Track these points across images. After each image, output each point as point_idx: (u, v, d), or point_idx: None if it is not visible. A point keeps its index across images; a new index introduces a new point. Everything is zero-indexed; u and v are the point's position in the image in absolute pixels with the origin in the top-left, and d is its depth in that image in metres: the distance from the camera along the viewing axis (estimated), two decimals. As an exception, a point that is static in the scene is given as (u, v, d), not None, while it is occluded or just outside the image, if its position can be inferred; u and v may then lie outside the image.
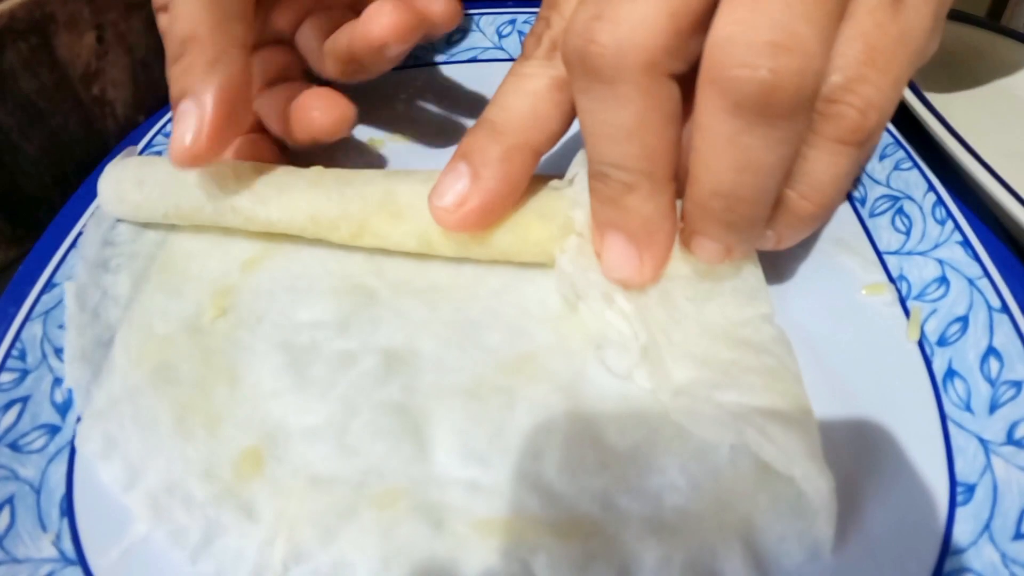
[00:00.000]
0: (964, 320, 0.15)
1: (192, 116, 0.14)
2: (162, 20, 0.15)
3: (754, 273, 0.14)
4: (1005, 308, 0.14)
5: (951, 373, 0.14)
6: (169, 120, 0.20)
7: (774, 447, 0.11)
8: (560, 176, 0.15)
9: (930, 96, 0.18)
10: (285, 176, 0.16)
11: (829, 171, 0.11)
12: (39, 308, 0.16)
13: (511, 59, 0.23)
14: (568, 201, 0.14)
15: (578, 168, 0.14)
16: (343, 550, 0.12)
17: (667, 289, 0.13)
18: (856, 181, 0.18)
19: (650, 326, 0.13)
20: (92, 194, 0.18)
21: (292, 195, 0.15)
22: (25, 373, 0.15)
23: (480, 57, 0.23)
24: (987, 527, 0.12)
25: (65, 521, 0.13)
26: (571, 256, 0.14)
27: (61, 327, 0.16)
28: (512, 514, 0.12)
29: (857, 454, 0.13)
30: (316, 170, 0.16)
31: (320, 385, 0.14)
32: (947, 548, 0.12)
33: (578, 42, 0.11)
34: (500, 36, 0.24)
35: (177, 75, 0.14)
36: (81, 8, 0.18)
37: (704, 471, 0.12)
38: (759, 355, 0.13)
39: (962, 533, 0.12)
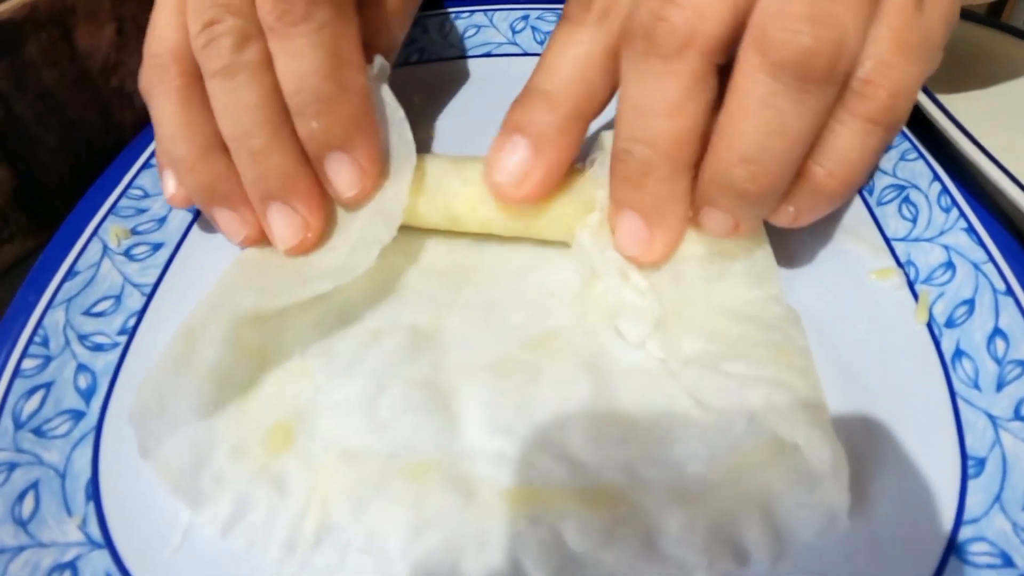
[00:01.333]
0: (970, 303, 0.15)
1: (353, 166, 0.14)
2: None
3: (765, 256, 0.14)
4: (1009, 291, 0.15)
5: (959, 353, 0.14)
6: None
7: (777, 415, 0.12)
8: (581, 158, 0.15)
9: (932, 89, 0.18)
10: None
11: (857, 149, 0.12)
12: (61, 296, 0.16)
13: (525, 54, 0.23)
14: (591, 181, 0.15)
15: (598, 150, 0.15)
16: (375, 520, 0.12)
17: (680, 269, 0.14)
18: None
19: (663, 302, 0.13)
20: (111, 184, 0.18)
21: None
22: (48, 359, 0.15)
23: (494, 52, 0.24)
24: (998, 498, 0.12)
25: (91, 505, 0.13)
26: (591, 232, 0.14)
27: (84, 314, 0.16)
28: (540, 483, 0.12)
29: (871, 431, 0.13)
30: None
31: (349, 362, 0.14)
32: (960, 518, 0.12)
33: (649, 18, 0.12)
34: (514, 31, 0.24)
35: (328, 127, 0.14)
36: (101, 1, 0.18)
37: (723, 442, 0.12)
38: (767, 331, 0.13)
39: (974, 504, 0.12)
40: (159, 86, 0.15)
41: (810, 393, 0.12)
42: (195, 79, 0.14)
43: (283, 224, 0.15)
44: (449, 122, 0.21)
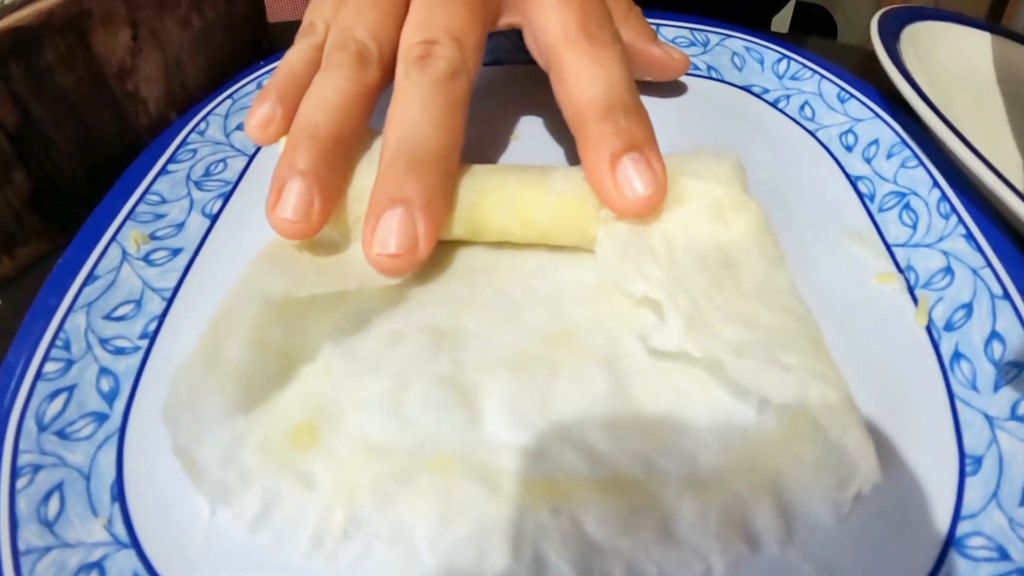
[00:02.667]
0: (969, 307, 0.16)
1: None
2: None
3: (773, 241, 0.15)
4: (1007, 295, 0.15)
5: (958, 355, 0.15)
6: (207, 115, 0.21)
7: (831, 413, 0.12)
8: None
9: (932, 95, 0.19)
10: None
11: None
12: (82, 300, 0.16)
13: (534, 61, 0.24)
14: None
15: None
16: (401, 513, 0.12)
17: (704, 255, 0.14)
18: (866, 179, 0.19)
19: (692, 291, 0.14)
20: (129, 189, 0.18)
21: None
22: (70, 363, 0.15)
23: (504, 59, 0.24)
24: (995, 495, 0.13)
25: (116, 505, 0.13)
26: (611, 230, 0.15)
27: (105, 318, 0.16)
28: (560, 475, 0.12)
29: (873, 429, 0.14)
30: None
31: (371, 362, 0.14)
32: (959, 513, 0.13)
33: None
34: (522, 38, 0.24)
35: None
36: (117, 6, 0.18)
37: (733, 432, 0.13)
38: (799, 321, 0.14)
39: (972, 500, 0.13)
40: (352, 64, 0.16)
41: (848, 391, 0.13)
42: (386, 74, 0.16)
43: (396, 231, 0.14)
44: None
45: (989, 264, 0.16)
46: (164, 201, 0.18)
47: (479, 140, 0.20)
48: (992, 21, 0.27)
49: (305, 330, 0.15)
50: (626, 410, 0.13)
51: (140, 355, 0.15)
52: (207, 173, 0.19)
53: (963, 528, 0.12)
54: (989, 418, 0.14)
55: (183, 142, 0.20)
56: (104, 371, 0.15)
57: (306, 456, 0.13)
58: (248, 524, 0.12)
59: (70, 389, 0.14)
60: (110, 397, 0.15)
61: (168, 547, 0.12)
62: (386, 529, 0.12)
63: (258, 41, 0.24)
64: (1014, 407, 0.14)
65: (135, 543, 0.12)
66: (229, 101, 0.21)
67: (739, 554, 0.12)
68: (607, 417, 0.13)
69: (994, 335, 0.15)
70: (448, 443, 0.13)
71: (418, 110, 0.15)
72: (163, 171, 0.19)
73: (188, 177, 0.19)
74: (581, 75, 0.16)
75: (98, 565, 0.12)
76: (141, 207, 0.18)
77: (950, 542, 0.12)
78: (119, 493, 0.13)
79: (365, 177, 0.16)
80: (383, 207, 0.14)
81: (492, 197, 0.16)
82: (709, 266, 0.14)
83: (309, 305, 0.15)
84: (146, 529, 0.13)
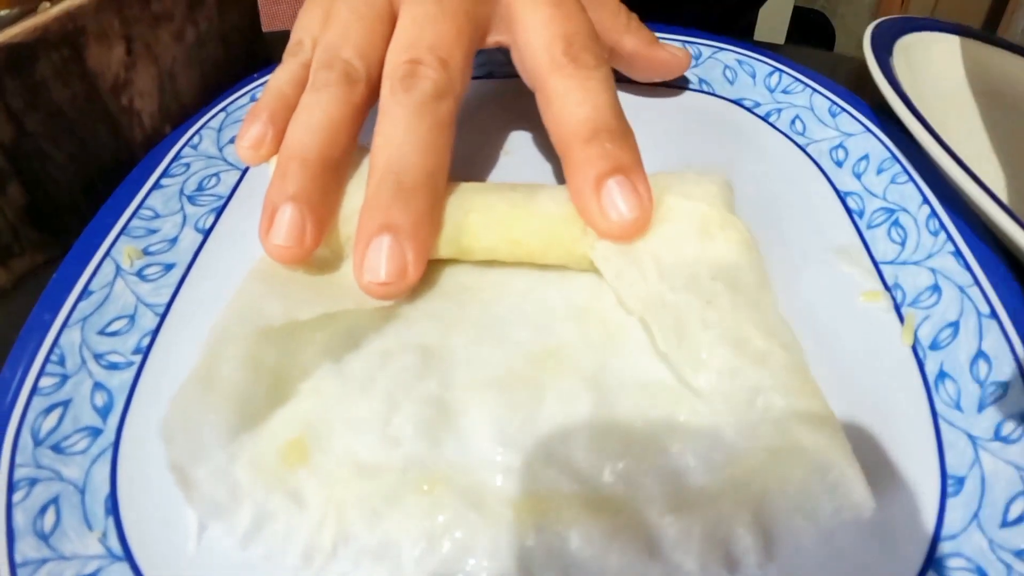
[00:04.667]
0: (955, 326, 0.16)
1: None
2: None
3: (760, 260, 0.15)
4: (994, 314, 0.15)
5: (943, 375, 0.15)
6: (201, 129, 0.21)
7: (823, 455, 0.12)
8: None
9: (925, 108, 0.19)
10: None
11: None
12: (76, 315, 0.16)
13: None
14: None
15: None
16: (388, 532, 0.12)
17: (691, 275, 0.14)
18: (855, 195, 0.19)
19: (679, 312, 0.14)
20: (122, 204, 0.19)
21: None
22: (65, 378, 0.15)
23: (496, 73, 0.24)
24: (976, 516, 0.13)
25: (111, 519, 0.13)
26: (602, 251, 0.15)
27: (100, 333, 0.16)
28: (546, 493, 0.13)
29: (854, 448, 0.14)
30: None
31: (360, 381, 0.14)
32: (939, 535, 0.13)
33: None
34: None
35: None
36: (111, 21, 0.18)
37: (717, 452, 0.13)
38: (786, 350, 0.14)
39: (952, 521, 0.13)
40: (340, 84, 0.16)
41: (837, 426, 0.13)
42: (373, 92, 0.16)
43: (385, 259, 0.14)
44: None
45: (977, 282, 0.16)
46: (157, 216, 0.19)
47: (470, 154, 0.20)
48: (988, 30, 0.27)
49: (296, 349, 0.15)
50: (611, 429, 0.14)
51: (133, 370, 0.16)
52: (200, 188, 0.20)
53: (943, 549, 0.12)
54: (972, 438, 0.14)
55: (176, 156, 0.20)
56: (98, 386, 0.15)
57: (296, 474, 0.13)
58: (239, 539, 0.13)
59: (65, 404, 0.15)
60: (104, 412, 0.15)
61: (161, 561, 0.13)
62: (374, 546, 0.12)
63: (253, 51, 0.24)
64: (998, 427, 0.14)
65: (129, 556, 0.13)
66: (223, 114, 0.22)
67: (719, 573, 0.12)
68: (592, 435, 0.13)
69: (980, 355, 0.15)
70: (435, 463, 0.13)
71: (404, 133, 0.15)
72: (156, 185, 0.19)
73: (181, 192, 0.19)
74: (567, 99, 0.16)
75: (93, 578, 0.12)
76: (135, 222, 0.18)
77: (930, 563, 0.12)
78: (113, 507, 0.13)
79: (356, 197, 0.16)
80: (371, 235, 0.15)
81: (479, 218, 0.16)
82: (696, 286, 0.14)
83: (301, 324, 0.15)
84: (139, 543, 0.13)
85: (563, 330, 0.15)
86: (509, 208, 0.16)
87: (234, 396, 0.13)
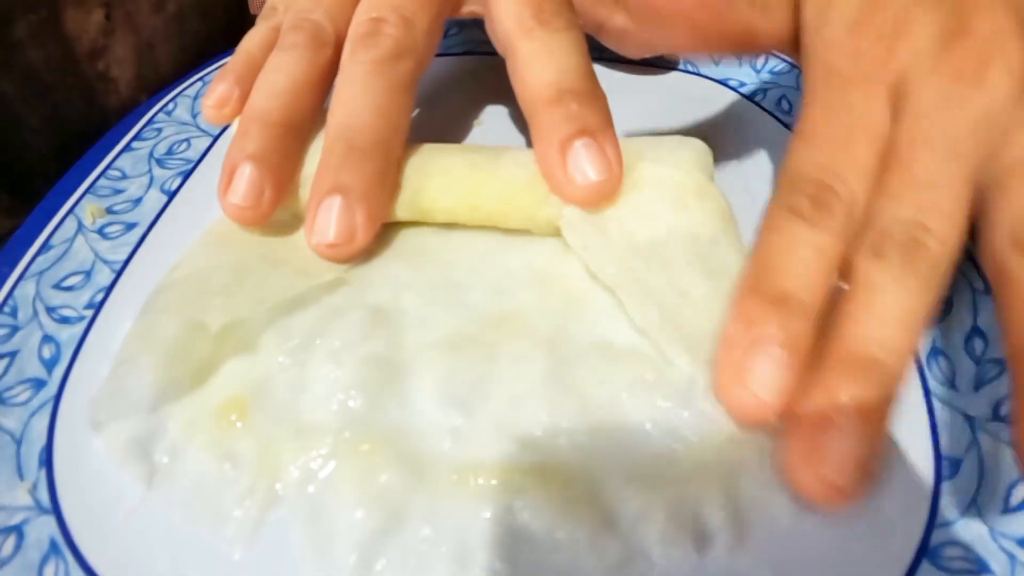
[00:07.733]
0: (948, 301, 0.15)
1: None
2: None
3: (736, 231, 0.15)
4: (988, 290, 0.14)
5: (935, 352, 0.14)
6: (176, 96, 0.21)
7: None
8: None
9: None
10: None
11: None
12: (33, 268, 0.16)
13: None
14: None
15: None
16: (322, 494, 0.12)
17: (662, 245, 0.14)
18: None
19: (646, 282, 0.13)
20: (91, 164, 0.19)
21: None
22: (15, 329, 0.15)
23: (475, 50, 0.24)
24: (974, 501, 0.12)
25: (43, 471, 0.13)
26: (569, 218, 0.15)
27: (54, 287, 0.16)
28: (494, 460, 0.12)
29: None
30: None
31: (304, 339, 0.14)
32: (933, 521, 0.11)
33: (906, 239, 0.12)
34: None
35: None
36: (91, -14, 0.19)
37: (686, 426, 0.12)
38: None
39: (948, 506, 0.12)
40: (307, 46, 0.16)
41: None
42: (336, 53, 0.16)
43: (334, 220, 0.14)
44: (427, 118, 0.21)
45: (970, 257, 0.15)
46: (125, 177, 0.19)
47: (445, 128, 0.20)
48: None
49: (240, 305, 0.14)
50: (567, 396, 0.13)
51: (84, 325, 0.15)
52: (170, 151, 0.20)
53: (938, 537, 0.11)
54: (969, 419, 0.13)
55: (150, 120, 0.20)
56: (47, 338, 0.15)
57: (233, 434, 0.13)
58: (171, 501, 0.12)
59: (12, 355, 0.14)
60: (50, 364, 0.14)
61: (89, 518, 0.12)
62: (305, 511, 0.12)
63: (235, 28, 0.24)
64: (996, 407, 0.13)
65: (56, 510, 0.12)
66: (199, 83, 0.22)
67: (685, 554, 0.11)
68: (546, 400, 0.13)
69: (975, 331, 0.14)
70: (377, 424, 0.12)
71: (359, 94, 0.15)
72: (127, 148, 0.19)
73: (151, 155, 0.19)
74: (533, 62, 0.15)
75: (17, 529, 0.12)
76: (101, 181, 0.18)
77: (923, 552, 0.11)
78: (48, 459, 0.13)
79: (317, 160, 0.16)
80: (322, 196, 0.14)
81: (438, 181, 0.15)
82: (667, 256, 0.14)
83: (246, 279, 0.14)
84: (69, 497, 0.12)
85: (522, 294, 0.15)
86: (469, 171, 0.15)
87: (170, 355, 0.13)
